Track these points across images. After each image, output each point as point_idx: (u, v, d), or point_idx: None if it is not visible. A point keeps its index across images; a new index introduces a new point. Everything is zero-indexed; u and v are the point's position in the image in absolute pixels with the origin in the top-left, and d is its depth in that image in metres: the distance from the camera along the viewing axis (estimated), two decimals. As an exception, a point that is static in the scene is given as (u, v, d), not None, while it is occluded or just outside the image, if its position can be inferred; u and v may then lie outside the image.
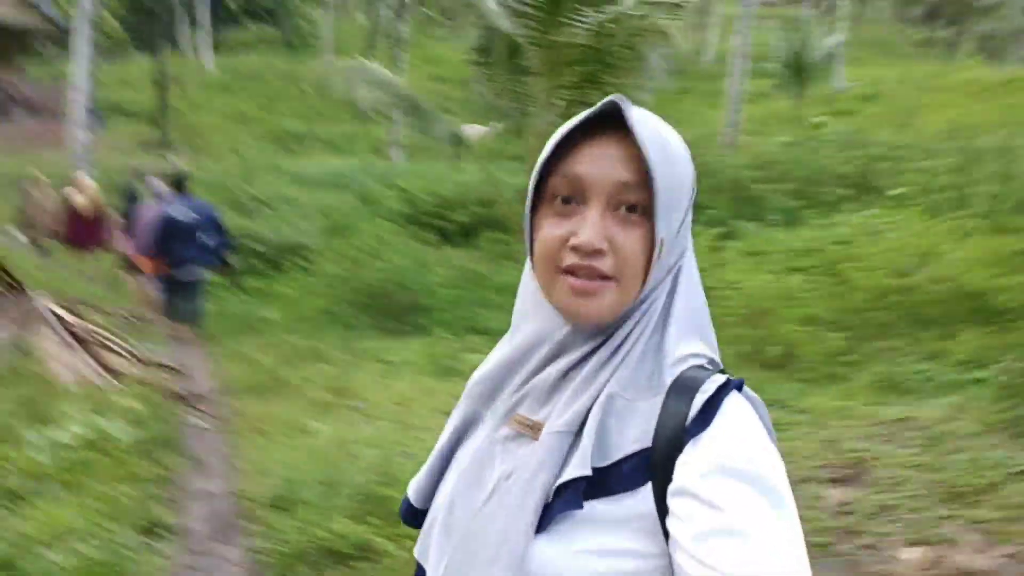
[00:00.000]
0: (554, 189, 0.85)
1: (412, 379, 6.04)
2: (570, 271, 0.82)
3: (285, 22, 35.76)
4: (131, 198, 9.62)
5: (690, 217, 0.88)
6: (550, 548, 0.79)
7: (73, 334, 5.82)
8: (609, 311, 0.83)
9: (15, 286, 6.31)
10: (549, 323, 0.88)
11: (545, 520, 0.80)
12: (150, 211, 7.78)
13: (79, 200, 9.72)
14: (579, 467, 0.79)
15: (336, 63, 10.10)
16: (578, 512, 0.79)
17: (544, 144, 0.88)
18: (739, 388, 0.82)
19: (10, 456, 3.97)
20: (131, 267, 8.98)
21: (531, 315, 0.91)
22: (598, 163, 0.82)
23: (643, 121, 0.82)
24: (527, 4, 8.96)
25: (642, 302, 0.85)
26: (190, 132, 23.37)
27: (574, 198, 0.83)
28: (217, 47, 34.71)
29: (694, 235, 0.96)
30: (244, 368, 6.58)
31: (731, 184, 11.29)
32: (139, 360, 5.75)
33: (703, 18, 35.29)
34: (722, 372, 0.85)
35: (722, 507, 0.73)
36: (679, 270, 0.88)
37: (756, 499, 0.73)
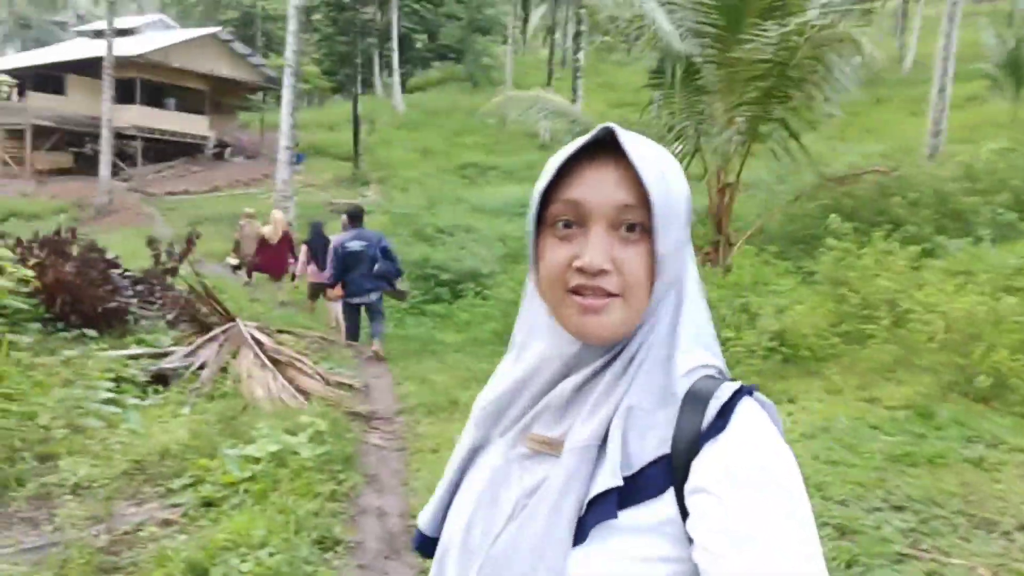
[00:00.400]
0: (555, 214, 0.88)
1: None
2: (576, 291, 0.85)
3: (469, 60, 37.31)
4: (317, 230, 10.52)
5: (688, 232, 0.90)
6: (588, 559, 0.81)
7: (269, 357, 6.29)
8: (618, 327, 0.85)
9: (223, 314, 6.94)
10: (558, 342, 0.90)
11: (580, 532, 0.82)
12: (332, 242, 8.56)
13: (266, 230, 10.92)
14: (610, 478, 0.81)
15: (515, 95, 10.27)
16: (613, 522, 0.81)
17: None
18: (751, 393, 0.85)
19: (209, 468, 4.31)
20: (316, 293, 9.94)
21: (538, 336, 0.94)
22: (597, 187, 0.85)
23: (637, 145, 0.85)
24: (704, 24, 8.76)
25: (649, 316, 0.88)
26: (381, 168, 24.86)
27: (575, 222, 0.87)
28: (407, 87, 36.86)
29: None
30: (422, 389, 6.81)
31: (933, 198, 10.32)
32: (325, 381, 6.10)
33: (903, 21, 32.95)
34: (732, 380, 0.87)
35: (736, 508, 0.76)
36: (682, 284, 0.90)
37: (768, 501, 0.76)
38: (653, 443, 0.83)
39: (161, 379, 6.29)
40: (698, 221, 11.45)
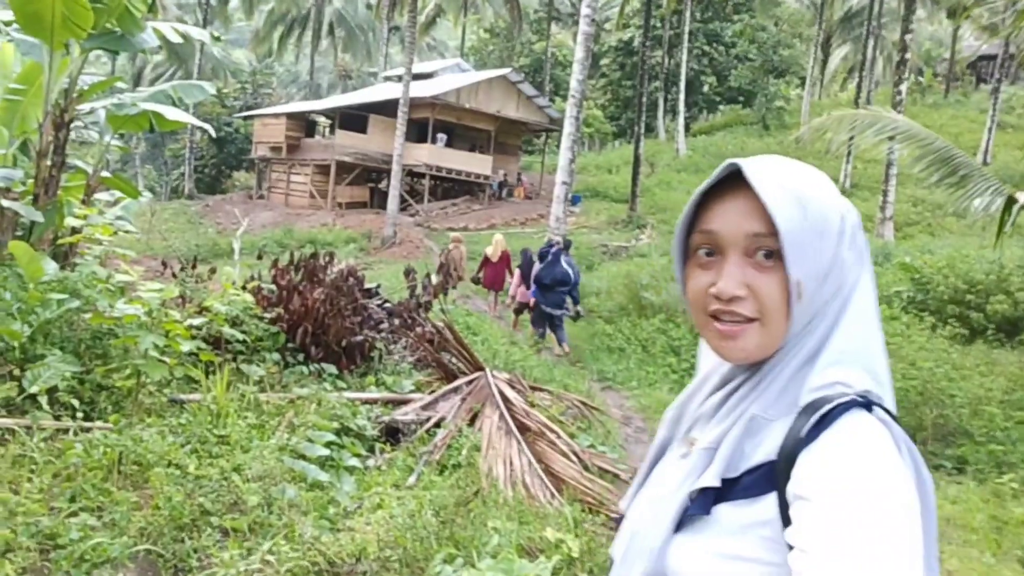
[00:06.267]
0: (696, 244, 0.97)
1: (965, 552, 3.85)
2: (715, 316, 0.94)
3: (760, 103, 34.76)
4: (527, 257, 12.10)
5: (852, 252, 0.93)
6: (684, 547, 0.91)
7: (517, 421, 4.98)
8: (755, 350, 0.93)
9: (471, 360, 5.79)
10: (715, 359, 1.02)
11: (682, 522, 0.92)
12: (537, 266, 10.83)
13: (488, 251, 13.00)
14: (710, 478, 0.91)
15: (844, 115, 8.31)
16: (708, 516, 0.90)
17: None
18: (868, 408, 0.86)
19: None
20: (521, 310, 11.91)
21: (706, 353, 1.05)
22: (728, 218, 0.94)
23: (765, 174, 0.91)
24: None
25: (796, 337, 0.92)
26: (657, 210, 23.56)
27: (714, 250, 0.95)
28: (690, 131, 35.22)
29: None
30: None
31: None
32: (584, 465, 4.63)
33: None
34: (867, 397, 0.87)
35: (829, 517, 0.78)
36: (844, 304, 0.93)
37: (862, 511, 0.78)
38: (764, 450, 0.89)
39: (392, 433, 5.24)
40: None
